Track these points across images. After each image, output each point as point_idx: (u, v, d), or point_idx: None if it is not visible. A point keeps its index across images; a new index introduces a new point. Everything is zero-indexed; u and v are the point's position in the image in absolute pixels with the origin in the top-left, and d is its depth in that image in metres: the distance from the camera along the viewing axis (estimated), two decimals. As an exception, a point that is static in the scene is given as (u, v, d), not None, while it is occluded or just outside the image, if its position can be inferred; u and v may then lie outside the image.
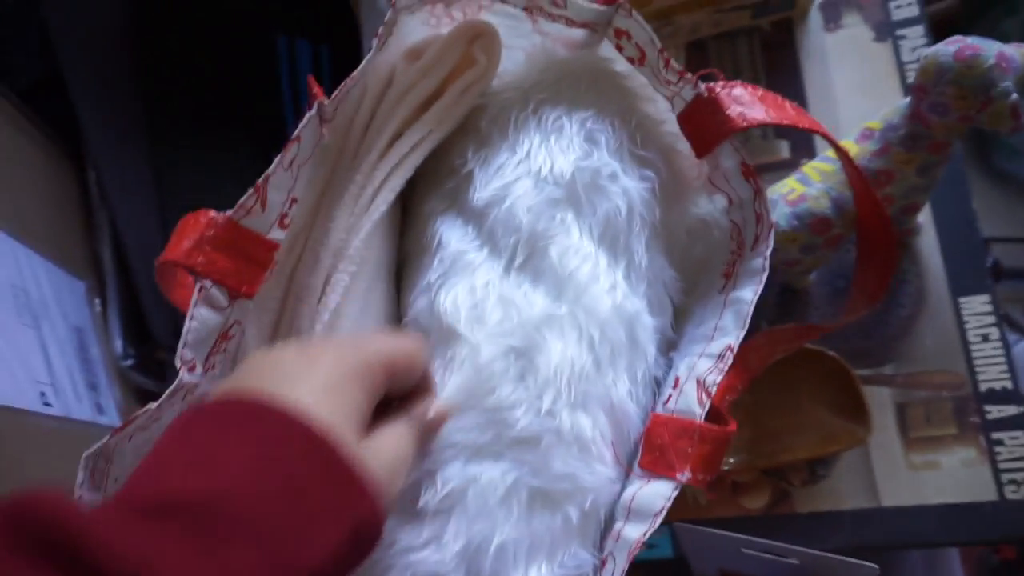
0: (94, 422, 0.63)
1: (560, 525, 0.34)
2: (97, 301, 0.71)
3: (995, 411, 0.50)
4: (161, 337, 0.70)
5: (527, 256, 0.36)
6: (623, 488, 0.36)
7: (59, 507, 0.19)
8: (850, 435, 0.50)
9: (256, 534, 0.21)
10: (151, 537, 0.20)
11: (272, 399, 0.24)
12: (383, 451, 0.28)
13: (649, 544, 0.54)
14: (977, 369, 0.50)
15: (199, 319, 0.32)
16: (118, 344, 0.71)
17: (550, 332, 0.35)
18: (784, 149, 0.57)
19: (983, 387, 0.50)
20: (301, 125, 0.33)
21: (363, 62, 0.35)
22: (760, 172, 0.54)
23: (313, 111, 0.33)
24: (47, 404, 0.57)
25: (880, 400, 0.52)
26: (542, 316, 0.35)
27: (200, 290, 0.32)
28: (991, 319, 0.51)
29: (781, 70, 0.58)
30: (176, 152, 0.76)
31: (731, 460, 0.53)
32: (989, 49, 0.39)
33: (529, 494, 0.34)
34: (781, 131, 0.57)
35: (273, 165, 0.32)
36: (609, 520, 0.36)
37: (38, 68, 0.71)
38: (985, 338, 0.51)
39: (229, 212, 0.32)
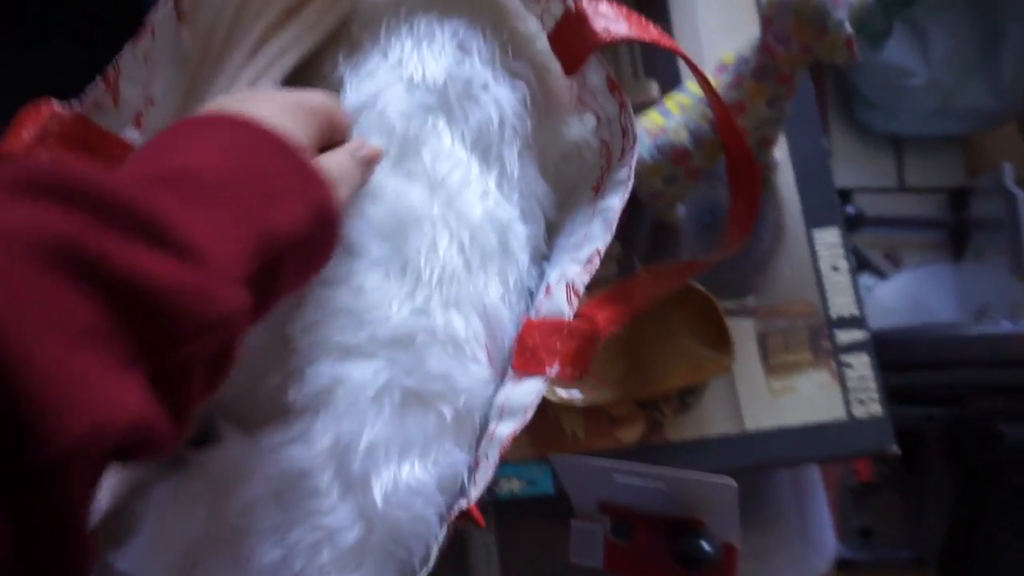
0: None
1: (434, 424, 0.34)
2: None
3: (844, 336, 0.53)
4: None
5: (400, 156, 0.36)
6: (497, 391, 0.36)
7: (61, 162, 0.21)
8: (716, 364, 0.52)
9: (231, 197, 0.25)
10: (147, 190, 0.22)
11: (239, 113, 0.28)
12: (331, 164, 0.31)
13: (529, 481, 0.55)
14: (828, 297, 0.54)
15: None
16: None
17: (422, 229, 0.35)
18: (654, 89, 0.58)
19: (834, 314, 0.53)
20: (153, 14, 0.31)
21: None
22: (633, 111, 0.55)
23: (168, 2, 0.31)
24: None
25: (743, 330, 0.54)
26: (414, 213, 0.35)
27: None
28: (840, 251, 0.54)
29: (650, 12, 0.58)
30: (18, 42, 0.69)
31: (606, 394, 0.54)
32: (825, -20, 0.41)
33: (402, 393, 0.34)
34: (651, 71, 0.58)
35: (124, 53, 0.30)
36: (484, 423, 0.36)
37: None
38: (835, 268, 0.54)
39: (76, 105, 0.30)
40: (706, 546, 0.45)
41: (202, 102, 0.34)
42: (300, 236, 0.27)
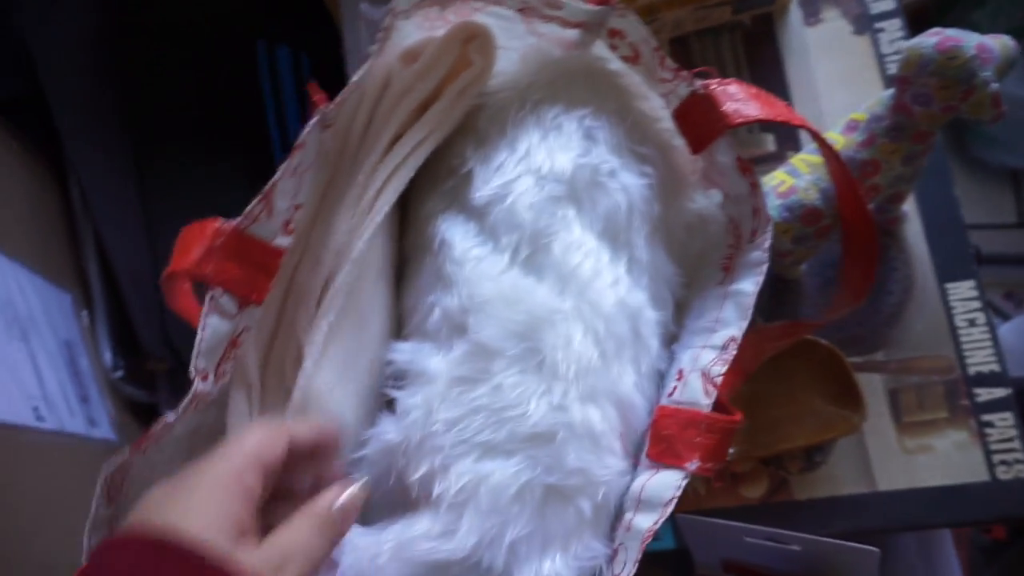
0: (87, 435, 0.63)
1: (573, 518, 0.35)
2: (84, 314, 0.70)
3: (984, 394, 0.51)
4: (150, 347, 0.69)
5: (531, 252, 0.36)
6: (632, 479, 0.37)
7: None
8: (845, 422, 0.51)
9: None
10: None
11: (144, 527, 0.28)
12: (280, 542, 0.30)
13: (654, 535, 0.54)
14: (965, 353, 0.52)
15: (211, 328, 0.32)
16: (107, 356, 0.70)
17: (556, 326, 0.35)
18: (769, 142, 0.58)
19: (972, 371, 0.51)
20: (305, 131, 0.33)
21: (363, 66, 0.35)
22: (747, 166, 0.55)
23: (316, 118, 0.33)
24: (40, 419, 0.56)
25: (873, 386, 0.53)
26: (548, 310, 0.36)
27: (211, 299, 0.32)
28: (977, 304, 0.52)
29: (763, 64, 0.59)
30: (159, 162, 0.76)
31: (730, 451, 0.53)
32: (969, 40, 0.40)
33: (544, 490, 0.34)
34: (765, 125, 0.58)
35: (280, 171, 0.33)
36: (619, 511, 0.37)
37: (16, 82, 0.70)
38: (972, 323, 0.52)
39: (236, 220, 0.32)
40: (846, 615, 0.44)
41: (341, 201, 0.36)
42: None
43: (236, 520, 0.29)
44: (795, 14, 0.59)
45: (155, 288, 0.64)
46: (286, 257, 0.35)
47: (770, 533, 0.46)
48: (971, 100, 0.40)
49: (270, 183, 0.32)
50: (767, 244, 0.36)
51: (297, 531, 0.30)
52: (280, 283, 0.36)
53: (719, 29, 0.60)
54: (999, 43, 0.41)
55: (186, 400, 0.31)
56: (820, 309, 0.54)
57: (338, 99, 0.34)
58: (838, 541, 0.44)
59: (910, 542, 0.62)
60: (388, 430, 0.37)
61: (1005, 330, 0.86)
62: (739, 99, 0.35)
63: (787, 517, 0.52)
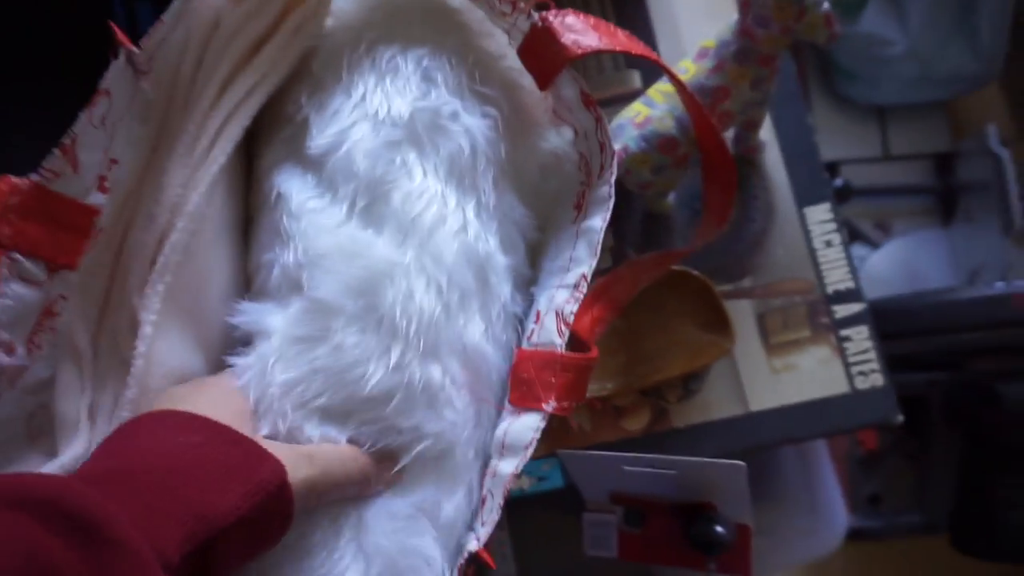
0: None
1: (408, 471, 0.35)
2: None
3: (842, 310, 0.53)
4: None
5: (369, 202, 0.35)
6: (496, 427, 0.36)
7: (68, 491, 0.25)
8: (716, 347, 0.53)
9: (163, 487, 0.27)
10: (83, 496, 0.25)
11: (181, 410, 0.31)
12: (299, 448, 0.33)
13: (539, 477, 0.55)
14: (824, 273, 0.54)
15: (12, 295, 0.29)
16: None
17: (396, 280, 0.34)
18: (636, 79, 0.58)
19: (830, 289, 0.54)
20: (108, 77, 0.31)
21: (174, 5, 0.32)
22: (614, 103, 0.55)
23: (121, 60, 0.30)
24: None
25: (743, 312, 0.55)
26: (387, 263, 0.34)
27: (11, 263, 0.29)
28: (832, 226, 0.54)
29: (626, 2, 0.59)
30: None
31: (609, 385, 0.54)
32: (801, -40, 0.41)
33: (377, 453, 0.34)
34: (632, 62, 0.58)
35: (80, 122, 0.30)
36: (486, 461, 0.36)
37: None
38: (828, 244, 0.54)
39: (34, 176, 0.30)
40: (720, 529, 0.46)
41: (173, 152, 0.34)
42: (240, 517, 0.28)
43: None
44: (656, -49, 0.59)
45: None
46: (110, 217, 0.32)
47: (646, 459, 0.47)
48: (805, 21, 0.41)
49: (68, 135, 0.30)
50: (613, 179, 0.36)
51: (334, 449, 0.33)
52: (107, 247, 0.33)
53: (582, -33, 0.60)
54: (830, -36, 0.42)
55: None
56: (689, 242, 0.55)
57: (148, 40, 0.32)
58: (707, 460, 0.45)
59: (790, 462, 0.65)
60: None
61: (877, 257, 0.91)
62: (577, 30, 0.34)
63: (668, 445, 0.54)
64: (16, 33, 0.68)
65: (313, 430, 0.34)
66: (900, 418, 0.51)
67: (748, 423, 0.53)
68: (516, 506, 0.62)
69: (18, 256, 0.30)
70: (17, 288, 0.30)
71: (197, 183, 0.33)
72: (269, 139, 0.39)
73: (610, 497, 0.53)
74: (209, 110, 0.34)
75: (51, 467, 0.31)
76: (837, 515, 0.65)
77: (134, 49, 0.31)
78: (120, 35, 0.31)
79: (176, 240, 0.32)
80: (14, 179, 0.29)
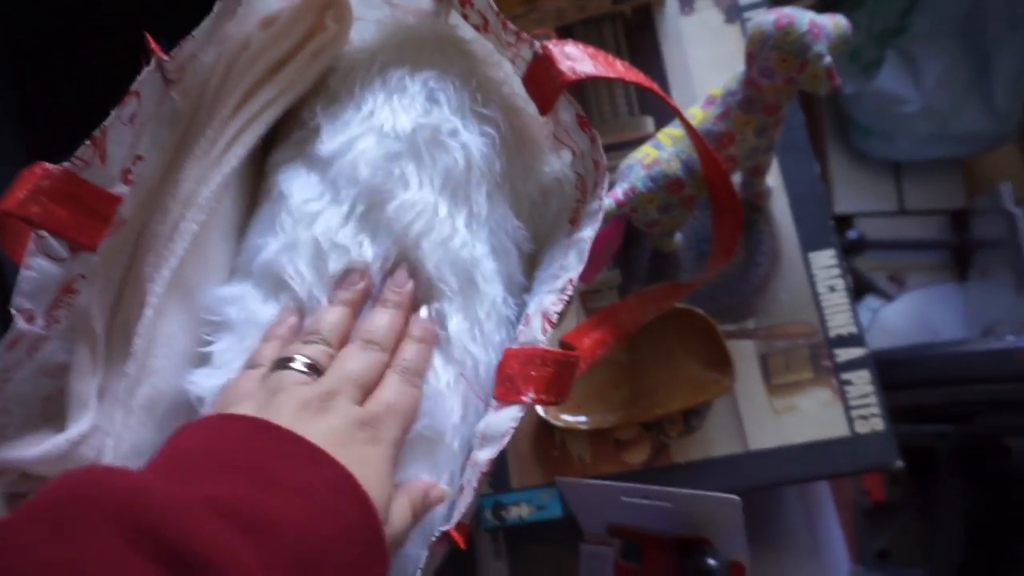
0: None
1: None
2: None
3: (843, 354, 0.54)
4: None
5: (366, 208, 0.37)
6: (479, 420, 0.38)
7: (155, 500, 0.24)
8: (716, 384, 0.54)
9: (276, 522, 0.26)
10: (202, 522, 0.24)
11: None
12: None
13: (538, 506, 0.56)
14: (827, 317, 0.55)
15: (36, 268, 0.32)
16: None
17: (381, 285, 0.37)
18: (649, 124, 0.60)
19: (832, 333, 0.55)
20: (139, 80, 0.33)
21: (206, 22, 0.36)
22: (629, 146, 0.57)
23: (152, 66, 0.33)
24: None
25: (745, 353, 0.56)
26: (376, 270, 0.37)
27: (38, 239, 0.32)
28: (836, 271, 0.55)
29: (643, 52, 0.62)
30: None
31: (611, 418, 0.55)
32: (802, 17, 0.43)
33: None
34: (646, 107, 0.61)
35: (110, 118, 0.33)
36: (468, 453, 0.38)
37: None
38: (832, 288, 0.55)
39: (65, 163, 0.32)
40: (713, 563, 0.46)
41: (191, 154, 0.36)
42: (329, 550, 0.27)
43: None
44: (671, 5, 0.62)
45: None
46: (132, 209, 0.35)
47: (643, 491, 0.48)
48: (807, 72, 0.44)
49: (100, 129, 0.32)
50: (603, 192, 0.38)
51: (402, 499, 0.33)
52: (127, 236, 0.36)
53: (601, 19, 0.63)
54: (832, 21, 0.44)
55: (7, 338, 0.31)
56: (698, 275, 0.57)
57: (179, 51, 0.35)
58: (702, 492, 0.46)
59: (793, 505, 0.65)
60: (199, 381, 0.37)
61: (891, 309, 0.92)
62: (575, 58, 0.37)
63: (667, 480, 0.54)
64: (63, 37, 0.73)
65: None
66: (900, 463, 0.52)
67: (748, 461, 0.54)
68: (515, 536, 0.63)
69: (45, 234, 0.32)
70: (41, 263, 0.32)
71: (209, 180, 0.36)
72: (281, 140, 0.42)
73: (608, 529, 0.53)
74: (229, 118, 0.37)
75: (58, 440, 0.33)
76: (840, 565, 0.65)
77: (164, 58, 0.34)
78: (153, 43, 0.34)
79: (184, 228, 0.35)
80: (48, 165, 0.32)
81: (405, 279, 0.38)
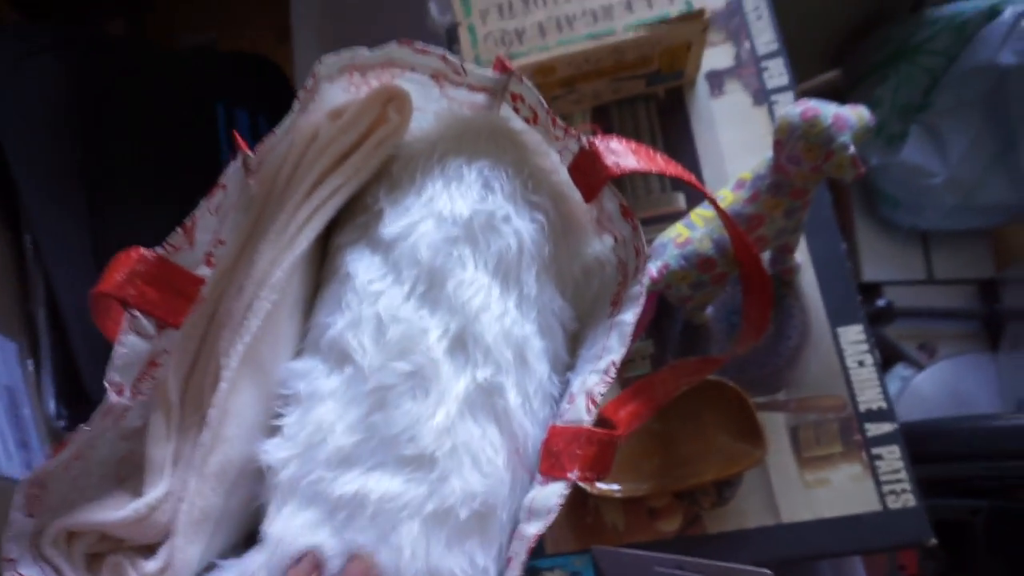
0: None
1: (457, 526, 0.37)
2: (29, 362, 0.71)
3: (874, 428, 0.55)
4: (96, 396, 0.70)
5: (427, 288, 0.40)
6: (526, 494, 0.39)
7: None
8: (748, 456, 0.55)
9: None
10: None
11: None
12: None
13: (572, 572, 0.57)
14: (856, 392, 0.56)
15: (128, 345, 0.35)
16: (51, 405, 0.71)
17: (443, 356, 0.39)
18: (680, 201, 0.63)
19: (862, 407, 0.56)
20: (226, 173, 0.37)
21: (286, 119, 0.39)
22: (661, 221, 0.60)
23: (238, 161, 0.37)
24: (-25, 462, 0.57)
25: (776, 425, 0.57)
26: (436, 341, 0.39)
27: (131, 318, 0.35)
28: (865, 346, 0.57)
29: (675, 132, 0.65)
30: (115, 217, 0.79)
31: (644, 486, 0.56)
32: (827, 110, 0.46)
33: (427, 513, 0.37)
34: (677, 184, 0.64)
35: (199, 208, 0.36)
36: (515, 526, 0.39)
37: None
38: (861, 363, 0.56)
39: (159, 249, 0.36)
40: (745, 637, 0.46)
41: (265, 237, 0.40)
42: None
43: None
44: (702, 87, 0.66)
45: (103, 338, 0.67)
46: (210, 287, 0.38)
47: (677, 561, 0.49)
48: (832, 161, 0.46)
49: (190, 217, 0.36)
50: (645, 279, 0.40)
51: None
52: (204, 312, 0.39)
53: (635, 100, 0.67)
54: (855, 113, 0.47)
55: (100, 409, 0.33)
56: (728, 350, 0.58)
57: (261, 147, 0.38)
58: (735, 565, 0.47)
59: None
60: (271, 451, 0.39)
61: (920, 379, 0.92)
62: (619, 153, 0.40)
63: (699, 550, 0.55)
64: (134, 147, 0.79)
65: (360, 478, 0.37)
66: (933, 540, 0.52)
67: (780, 534, 0.54)
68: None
69: (137, 314, 0.35)
70: (133, 340, 0.35)
71: (282, 262, 0.39)
72: (346, 223, 0.45)
73: (640, 598, 0.54)
74: (300, 203, 0.40)
75: (138, 504, 0.35)
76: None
77: (249, 153, 0.38)
78: (241, 142, 0.38)
79: (257, 307, 0.38)
80: (142, 250, 0.35)
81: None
